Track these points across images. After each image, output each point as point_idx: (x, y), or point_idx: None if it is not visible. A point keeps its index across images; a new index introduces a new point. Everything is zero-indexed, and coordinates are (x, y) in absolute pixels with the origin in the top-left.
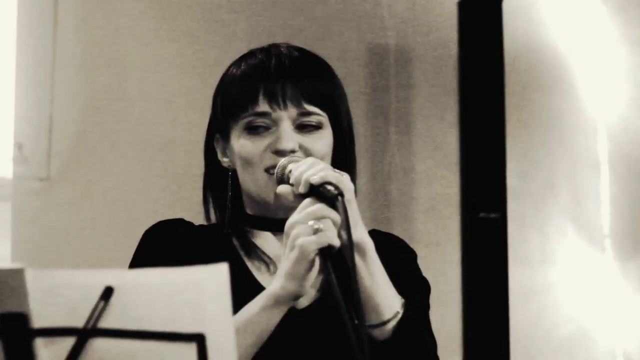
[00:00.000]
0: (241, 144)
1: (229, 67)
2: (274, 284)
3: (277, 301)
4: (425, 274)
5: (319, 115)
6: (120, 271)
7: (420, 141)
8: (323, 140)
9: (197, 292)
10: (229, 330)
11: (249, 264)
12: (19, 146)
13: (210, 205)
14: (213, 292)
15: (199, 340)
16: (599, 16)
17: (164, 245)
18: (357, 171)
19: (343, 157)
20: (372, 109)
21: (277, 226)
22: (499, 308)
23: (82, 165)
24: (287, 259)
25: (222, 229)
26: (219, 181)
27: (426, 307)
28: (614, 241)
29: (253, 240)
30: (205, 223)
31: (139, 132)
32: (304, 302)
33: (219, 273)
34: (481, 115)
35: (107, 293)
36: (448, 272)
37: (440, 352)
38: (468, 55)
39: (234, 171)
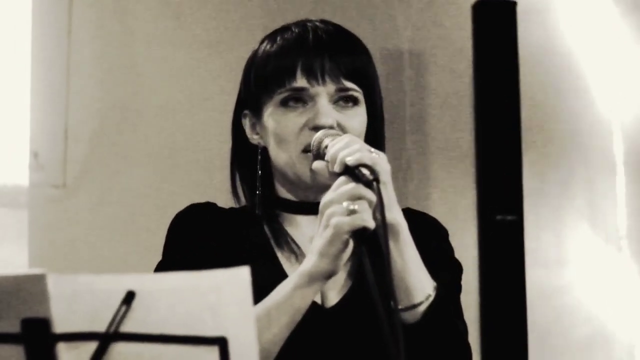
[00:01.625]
0: (276, 120)
1: (261, 42)
2: (306, 261)
3: (310, 279)
4: None
5: (356, 91)
6: (141, 276)
7: (436, 145)
8: (359, 118)
9: (219, 295)
10: (251, 334)
11: (278, 253)
12: (35, 154)
13: (238, 184)
14: (234, 295)
15: (221, 343)
16: (611, 18)
17: (195, 228)
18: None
19: (375, 137)
20: (388, 113)
21: (308, 209)
22: (517, 309)
23: (98, 172)
24: (321, 237)
25: (252, 211)
26: (248, 159)
27: (458, 288)
28: (631, 241)
29: (284, 225)
30: (233, 202)
31: (153, 139)
32: (332, 300)
33: (240, 276)
34: (496, 118)
35: (129, 297)
36: (466, 275)
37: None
38: (483, 58)
39: (264, 148)
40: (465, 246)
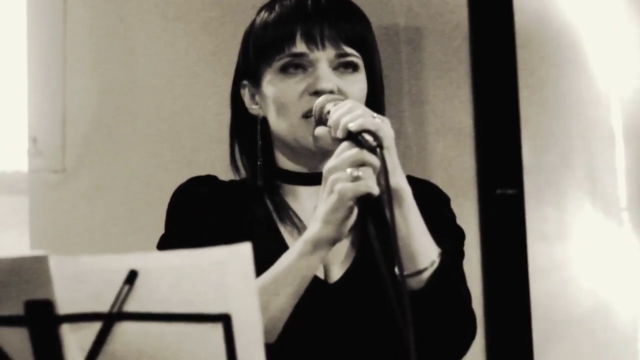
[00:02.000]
0: (276, 86)
1: (259, 12)
2: (310, 228)
3: (315, 246)
4: None
5: (356, 57)
6: (143, 254)
7: (434, 120)
8: (359, 84)
9: (221, 272)
10: (254, 310)
11: (281, 227)
12: (33, 140)
13: (238, 156)
14: (237, 272)
15: (225, 320)
16: None
17: (196, 201)
18: None
19: (375, 105)
20: (385, 89)
21: (309, 180)
22: (519, 283)
23: (97, 157)
24: (325, 203)
25: (253, 182)
26: (247, 130)
27: (460, 255)
28: (631, 214)
29: (285, 198)
30: (233, 174)
31: (152, 123)
32: (335, 275)
33: (242, 253)
34: (494, 92)
35: (132, 277)
36: (467, 250)
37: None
38: (479, 32)
39: (264, 119)
40: (466, 220)
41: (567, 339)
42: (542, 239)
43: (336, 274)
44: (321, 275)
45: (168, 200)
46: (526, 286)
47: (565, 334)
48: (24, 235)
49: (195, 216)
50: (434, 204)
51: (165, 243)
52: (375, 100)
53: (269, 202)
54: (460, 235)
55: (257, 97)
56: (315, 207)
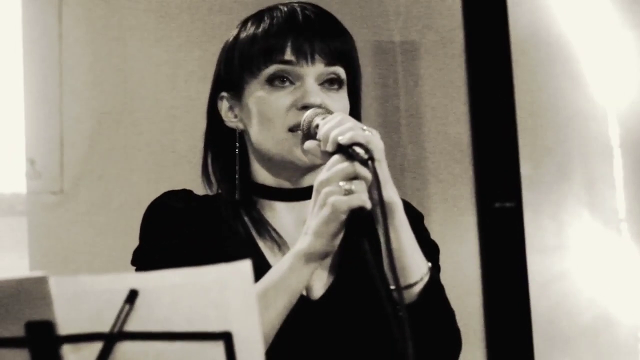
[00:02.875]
0: (261, 98)
1: (244, 23)
2: (301, 241)
3: (306, 260)
4: (444, 266)
5: (340, 72)
6: (143, 274)
7: (431, 134)
8: (343, 102)
9: (222, 290)
10: (255, 327)
11: (260, 243)
12: (31, 162)
13: (210, 171)
14: (237, 289)
15: (226, 338)
16: (604, 2)
17: (171, 215)
18: None
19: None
20: (382, 105)
21: (286, 195)
22: (520, 296)
23: (95, 178)
24: (317, 217)
25: (228, 197)
26: (223, 143)
27: (438, 269)
28: (630, 224)
29: (263, 213)
30: (204, 188)
31: (150, 143)
32: (318, 292)
33: (243, 270)
34: (491, 105)
35: (132, 296)
36: (467, 264)
37: (462, 342)
38: (475, 46)
39: (242, 132)
40: (465, 234)
41: (569, 349)
42: (541, 251)
43: (319, 290)
44: (303, 292)
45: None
46: (526, 298)
47: (567, 345)
48: (22, 257)
49: (170, 229)
50: (410, 221)
51: (139, 256)
52: (354, 117)
53: (246, 218)
54: (435, 250)
55: (236, 110)
56: (294, 223)
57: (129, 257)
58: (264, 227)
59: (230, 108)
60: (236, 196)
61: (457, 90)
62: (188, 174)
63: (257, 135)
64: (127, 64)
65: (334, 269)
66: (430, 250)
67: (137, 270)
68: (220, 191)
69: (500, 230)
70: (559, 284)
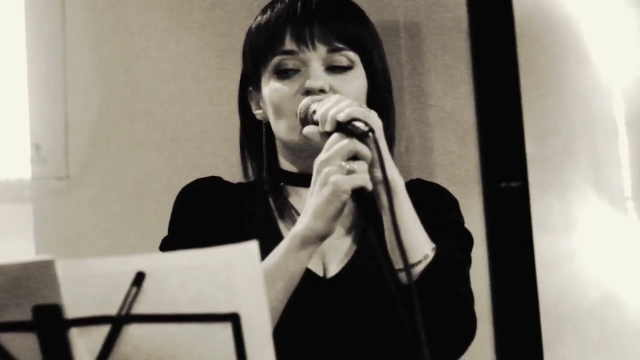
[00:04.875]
0: (271, 88)
1: (256, 17)
2: (299, 223)
3: (303, 242)
4: None
5: (349, 54)
6: (150, 256)
7: (436, 115)
8: (355, 82)
9: (229, 272)
10: (263, 308)
11: (281, 225)
12: (36, 147)
13: (248, 163)
14: (245, 271)
15: (234, 319)
16: None
17: (200, 202)
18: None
19: (378, 103)
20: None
21: (310, 181)
22: (526, 276)
23: (101, 162)
24: (317, 197)
25: (259, 186)
26: (255, 136)
27: (464, 257)
28: (636, 203)
29: (289, 198)
30: (241, 178)
31: (155, 127)
32: (333, 271)
33: (249, 252)
34: (496, 85)
35: (139, 278)
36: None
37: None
38: (479, 26)
39: (268, 123)
40: (471, 215)
41: (576, 329)
42: (547, 231)
43: (334, 269)
44: (319, 272)
45: (172, 204)
46: (533, 279)
47: (574, 325)
48: (28, 243)
49: (199, 217)
50: (441, 207)
51: (168, 244)
52: (378, 98)
53: (271, 202)
54: (467, 239)
55: (260, 102)
56: None
57: (135, 241)
58: (287, 210)
59: (255, 101)
60: (264, 186)
61: (462, 70)
62: (194, 160)
63: (274, 124)
64: (132, 47)
65: (350, 249)
66: (459, 237)
67: None
68: (255, 180)
69: (506, 209)
70: (566, 263)
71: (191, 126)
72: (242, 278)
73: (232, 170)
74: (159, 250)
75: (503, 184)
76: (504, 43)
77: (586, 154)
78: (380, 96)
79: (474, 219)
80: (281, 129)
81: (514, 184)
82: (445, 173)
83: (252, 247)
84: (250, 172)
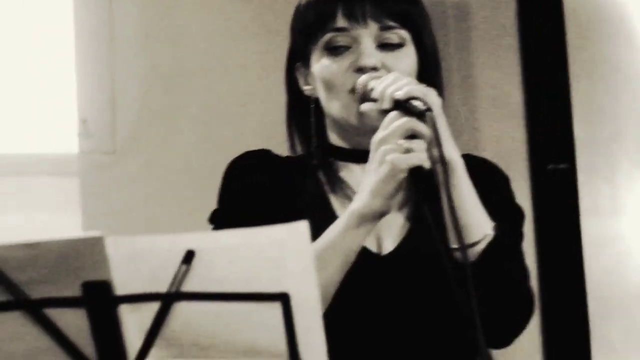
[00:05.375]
0: (322, 65)
1: None
2: (357, 200)
3: (361, 219)
4: None
5: (400, 32)
6: (200, 234)
7: (484, 97)
8: (406, 60)
9: (279, 251)
10: (313, 288)
11: (332, 199)
12: (83, 122)
13: (295, 138)
14: (295, 250)
15: (284, 299)
16: None
17: (249, 174)
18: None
19: (427, 82)
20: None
21: (361, 157)
22: (574, 259)
23: (147, 137)
24: (374, 174)
25: (307, 160)
26: (302, 111)
27: (519, 235)
28: None
29: (339, 173)
30: (289, 154)
31: (202, 102)
32: (388, 247)
33: (300, 231)
34: (544, 66)
35: (189, 257)
36: None
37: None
38: (528, 6)
39: (317, 99)
40: (519, 197)
41: (623, 313)
42: (595, 214)
43: (388, 246)
44: (374, 248)
45: (219, 179)
46: (580, 262)
47: (621, 309)
48: (75, 217)
49: (248, 189)
50: (492, 183)
51: (218, 217)
52: (428, 77)
53: (322, 176)
54: (519, 215)
55: (308, 78)
56: None
57: (182, 216)
58: (337, 184)
59: (304, 77)
60: (313, 161)
61: (509, 50)
62: (239, 134)
63: (324, 100)
64: (178, 22)
65: (406, 226)
66: (513, 214)
67: (214, 229)
68: (302, 155)
69: (554, 192)
70: (614, 246)
71: (237, 100)
72: (292, 257)
73: (277, 146)
74: (207, 223)
75: (550, 166)
76: (552, 24)
77: (635, 137)
78: (430, 75)
79: (521, 201)
80: (333, 105)
81: (561, 166)
82: (492, 153)
83: (302, 226)
84: (297, 147)
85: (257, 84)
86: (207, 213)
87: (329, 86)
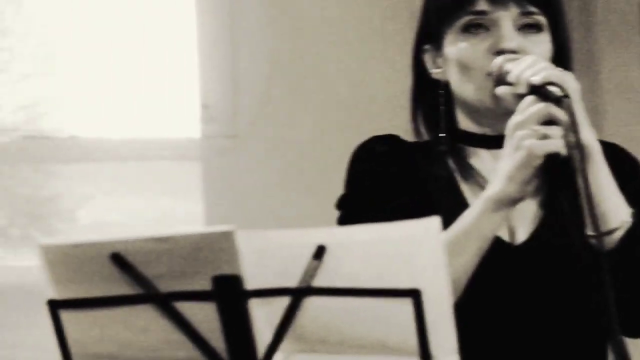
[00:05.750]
0: (458, 47)
1: None
2: (492, 185)
3: (497, 205)
4: None
5: (539, 17)
6: (331, 229)
7: (608, 82)
8: (544, 45)
9: (410, 246)
10: (444, 284)
11: (463, 187)
12: (205, 106)
13: (420, 123)
14: (426, 246)
15: (415, 295)
16: None
17: (377, 159)
18: None
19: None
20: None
21: (492, 142)
22: None
23: (269, 121)
24: (510, 160)
25: (435, 146)
26: (429, 95)
27: None
28: None
29: (468, 160)
30: (414, 138)
31: (323, 86)
32: (521, 236)
33: (432, 226)
34: None
35: (320, 252)
36: None
37: None
38: None
39: (446, 83)
40: None
41: None
42: None
43: (521, 235)
44: (505, 237)
45: (340, 164)
46: None
47: None
48: (197, 202)
49: (377, 174)
50: (623, 169)
51: (346, 202)
52: (560, 65)
53: (451, 163)
54: None
55: (439, 61)
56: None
57: (304, 201)
58: (468, 171)
59: (433, 60)
60: (442, 144)
61: (633, 37)
62: (362, 119)
63: (457, 83)
64: (300, 6)
65: (539, 214)
66: None
67: (342, 215)
68: (429, 140)
69: None
70: None
71: (359, 85)
72: (424, 253)
73: (400, 131)
74: (328, 208)
75: None
76: None
77: None
78: (562, 63)
79: None
80: (468, 88)
81: None
82: (616, 139)
83: (434, 221)
84: (421, 132)
85: (379, 67)
86: (329, 198)
87: (466, 69)
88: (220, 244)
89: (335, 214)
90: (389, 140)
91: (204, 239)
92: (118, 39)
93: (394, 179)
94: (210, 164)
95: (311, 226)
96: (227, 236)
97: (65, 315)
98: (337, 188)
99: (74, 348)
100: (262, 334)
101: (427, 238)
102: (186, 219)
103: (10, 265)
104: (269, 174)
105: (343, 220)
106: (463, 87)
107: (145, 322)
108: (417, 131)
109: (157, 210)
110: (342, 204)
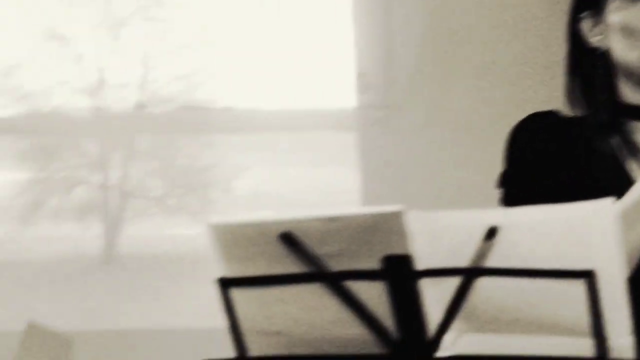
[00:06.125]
0: (624, 12)
1: None
2: None
3: None
4: None
5: None
6: (502, 210)
7: None
8: None
9: (584, 228)
10: (619, 266)
11: (629, 164)
12: (361, 76)
13: (577, 94)
14: (600, 227)
15: (589, 277)
16: None
17: (535, 138)
18: None
19: None
20: None
21: None
22: None
23: (424, 92)
24: None
25: (595, 120)
26: (586, 65)
27: None
28: None
29: (634, 135)
30: (569, 110)
31: (478, 57)
32: None
33: (605, 207)
34: None
35: (491, 233)
36: None
37: None
38: None
39: (606, 52)
40: None
41: None
42: None
43: None
44: None
45: (496, 136)
46: None
47: None
48: (353, 172)
49: (534, 152)
50: None
51: (508, 180)
52: None
53: (612, 139)
54: None
55: (599, 28)
56: None
57: (460, 171)
58: (635, 148)
59: (592, 27)
60: (602, 118)
61: None
62: (516, 93)
63: (623, 51)
64: None
65: None
66: None
67: (502, 193)
68: (587, 113)
69: None
70: None
71: (516, 56)
72: (597, 235)
73: (557, 101)
74: (482, 181)
75: None
76: None
77: None
78: None
79: None
80: (634, 55)
81: None
82: None
83: (608, 203)
84: (577, 105)
85: (534, 38)
86: (483, 168)
87: (632, 35)
88: (389, 224)
89: (492, 185)
90: (548, 118)
91: (373, 218)
92: (273, 10)
93: (555, 159)
94: (366, 134)
95: (468, 198)
96: (397, 216)
97: (235, 293)
98: (495, 159)
99: (243, 324)
100: (432, 313)
101: (601, 219)
102: (342, 189)
103: (167, 234)
104: (422, 146)
105: (505, 200)
106: (628, 54)
107: (315, 300)
108: (573, 103)
109: (313, 180)
110: (503, 182)
